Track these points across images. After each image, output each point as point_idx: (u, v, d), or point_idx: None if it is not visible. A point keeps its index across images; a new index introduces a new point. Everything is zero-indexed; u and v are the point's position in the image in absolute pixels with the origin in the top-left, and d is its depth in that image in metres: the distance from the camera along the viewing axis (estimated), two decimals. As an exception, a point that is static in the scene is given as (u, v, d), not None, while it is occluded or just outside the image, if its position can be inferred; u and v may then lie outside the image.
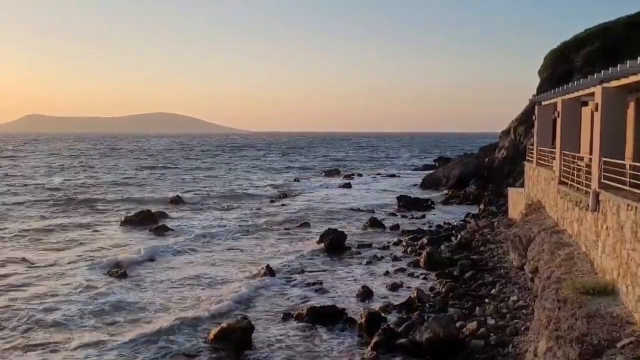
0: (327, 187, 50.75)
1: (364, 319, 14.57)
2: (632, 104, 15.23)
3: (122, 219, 30.20)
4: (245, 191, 46.77)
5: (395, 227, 29.14)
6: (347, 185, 51.91)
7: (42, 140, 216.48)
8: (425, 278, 19.25)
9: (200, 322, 14.99)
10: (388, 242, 25.39)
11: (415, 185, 50.73)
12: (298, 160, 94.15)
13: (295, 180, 57.34)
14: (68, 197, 41.13)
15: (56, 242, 25.13)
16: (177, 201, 39.14)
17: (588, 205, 13.22)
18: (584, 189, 14.59)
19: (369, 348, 13.05)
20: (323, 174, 66.06)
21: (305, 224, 30.24)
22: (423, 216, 33.09)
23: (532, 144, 26.13)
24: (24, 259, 21.71)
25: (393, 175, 64.23)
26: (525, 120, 40.07)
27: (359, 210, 35.68)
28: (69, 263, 21.38)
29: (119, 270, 19.77)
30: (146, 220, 29.66)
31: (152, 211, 31.81)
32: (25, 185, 49.67)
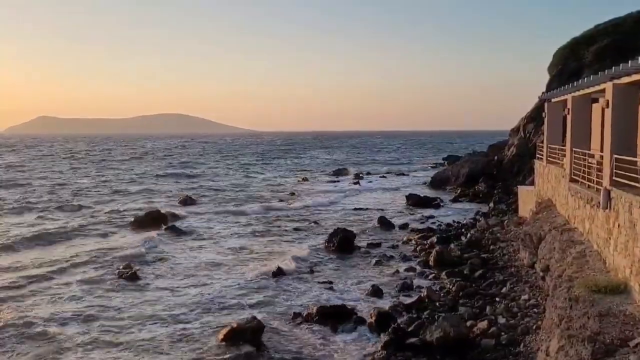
0: (335, 187, 50.71)
1: (374, 318, 14.55)
2: (643, 101, 15.08)
3: (132, 220, 30.35)
4: (254, 191, 46.84)
5: (404, 226, 29.06)
6: (356, 184, 51.88)
7: (47, 141, 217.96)
8: (435, 277, 19.18)
9: (210, 322, 15.04)
10: (397, 241, 25.34)
11: (424, 183, 50.57)
12: (306, 160, 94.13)
13: (304, 179, 57.35)
14: (75, 198, 41.41)
15: (67, 247, 25.30)
16: (186, 201, 39.25)
17: (599, 203, 13.11)
18: (595, 186, 14.47)
19: (379, 347, 13.03)
20: (332, 173, 66.03)
21: (315, 223, 30.23)
22: (432, 215, 32.98)
23: (542, 142, 25.96)
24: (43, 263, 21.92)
25: (402, 174, 64.08)
26: (534, 117, 39.82)
27: (368, 209, 35.62)
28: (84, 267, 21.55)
29: (129, 271, 19.85)
30: (156, 220, 29.77)
31: (162, 212, 31.95)
32: (33, 190, 49.97)
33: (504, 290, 16.47)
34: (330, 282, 18.88)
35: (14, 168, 73.17)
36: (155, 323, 15.02)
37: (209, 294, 17.71)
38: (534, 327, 12.95)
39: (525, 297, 15.36)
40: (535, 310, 14.21)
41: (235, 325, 13.88)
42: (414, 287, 18.04)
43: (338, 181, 56.25)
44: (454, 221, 30.15)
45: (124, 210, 35.38)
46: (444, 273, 19.21)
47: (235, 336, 13.50)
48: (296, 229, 28.77)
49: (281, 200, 40.64)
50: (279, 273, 19.60)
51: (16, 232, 27.74)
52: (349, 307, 15.58)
